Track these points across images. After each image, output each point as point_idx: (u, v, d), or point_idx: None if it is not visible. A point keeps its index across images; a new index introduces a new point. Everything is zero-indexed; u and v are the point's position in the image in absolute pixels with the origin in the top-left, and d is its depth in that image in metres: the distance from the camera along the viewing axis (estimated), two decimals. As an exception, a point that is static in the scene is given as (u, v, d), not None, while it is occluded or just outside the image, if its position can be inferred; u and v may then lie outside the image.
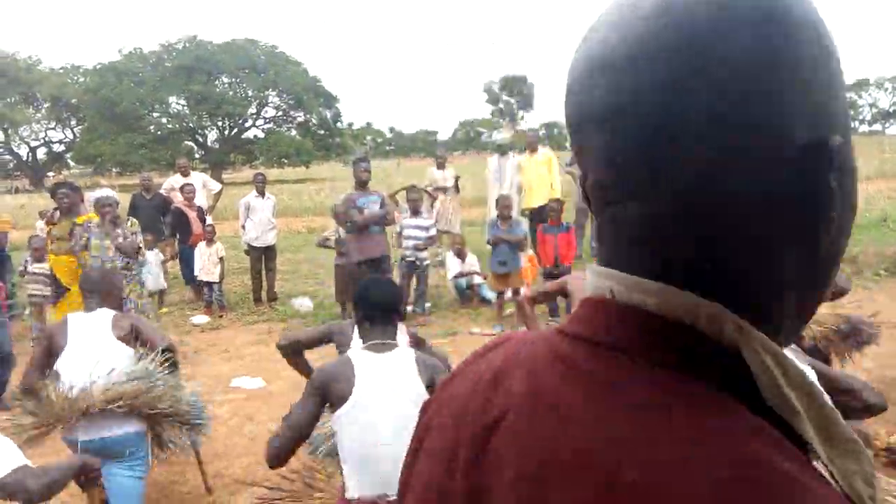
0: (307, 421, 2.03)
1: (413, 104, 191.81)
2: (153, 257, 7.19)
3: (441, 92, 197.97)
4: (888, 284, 7.11)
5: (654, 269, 0.44)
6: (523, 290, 7.28)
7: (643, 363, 0.43)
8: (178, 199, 8.26)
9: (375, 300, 2.22)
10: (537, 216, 7.93)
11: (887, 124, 76.00)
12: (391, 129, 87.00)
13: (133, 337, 2.95)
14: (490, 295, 7.01)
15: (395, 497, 1.96)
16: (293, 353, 2.84)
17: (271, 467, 2.08)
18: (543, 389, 0.47)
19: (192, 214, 7.85)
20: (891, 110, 75.67)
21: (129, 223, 5.55)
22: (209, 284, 7.55)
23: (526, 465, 0.44)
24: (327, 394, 2.04)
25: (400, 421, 1.96)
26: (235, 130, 43.73)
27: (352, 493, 1.99)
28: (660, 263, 0.44)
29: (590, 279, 0.50)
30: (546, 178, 8.19)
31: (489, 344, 0.59)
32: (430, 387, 2.07)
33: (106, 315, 2.97)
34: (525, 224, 8.33)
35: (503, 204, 6.74)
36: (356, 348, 2.16)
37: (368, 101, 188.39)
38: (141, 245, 5.60)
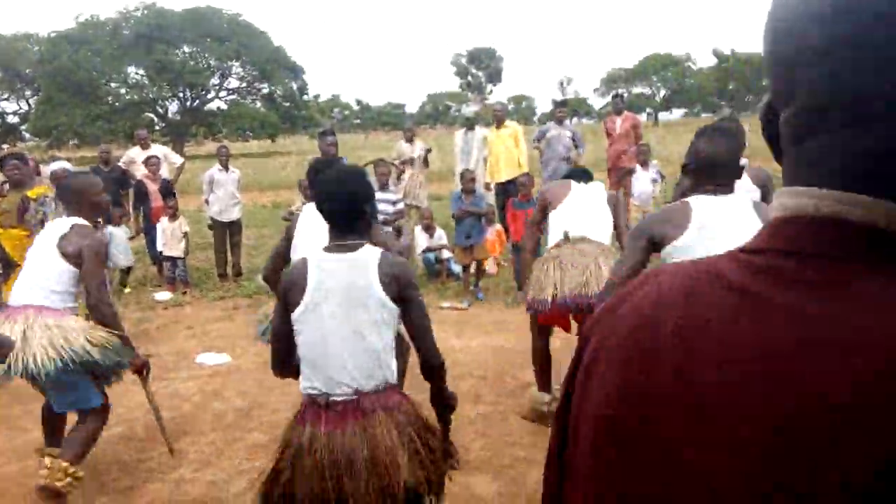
0: (280, 327, 2.11)
1: (381, 77, 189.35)
2: (120, 233, 7.00)
3: (409, 64, 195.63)
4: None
5: (861, 186, 0.48)
6: (489, 263, 7.33)
7: (860, 268, 0.47)
8: (139, 172, 8.04)
9: (331, 199, 2.16)
10: (505, 190, 7.93)
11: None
12: (358, 102, 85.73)
13: (76, 261, 2.91)
14: (458, 269, 7.00)
15: (340, 398, 2.02)
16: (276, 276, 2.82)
17: (278, 377, 2.26)
18: (757, 297, 0.50)
19: (154, 188, 7.64)
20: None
21: None
22: (172, 260, 7.39)
23: (764, 363, 0.47)
24: (287, 299, 2.07)
25: (348, 324, 2.00)
26: (197, 102, 42.60)
27: (303, 387, 2.08)
28: (872, 181, 0.48)
29: (785, 201, 0.52)
30: (513, 151, 8.17)
31: (635, 282, 0.62)
32: (394, 287, 2.05)
33: (63, 225, 2.94)
34: (491, 197, 8.33)
35: (466, 178, 6.79)
36: (316, 250, 2.13)
37: (335, 74, 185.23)
38: (99, 220, 5.43)
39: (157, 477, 3.33)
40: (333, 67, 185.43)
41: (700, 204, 2.18)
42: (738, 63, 64.28)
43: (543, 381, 3.74)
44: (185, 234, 7.32)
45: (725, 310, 0.51)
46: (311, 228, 3.02)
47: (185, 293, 7.20)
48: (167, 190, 7.71)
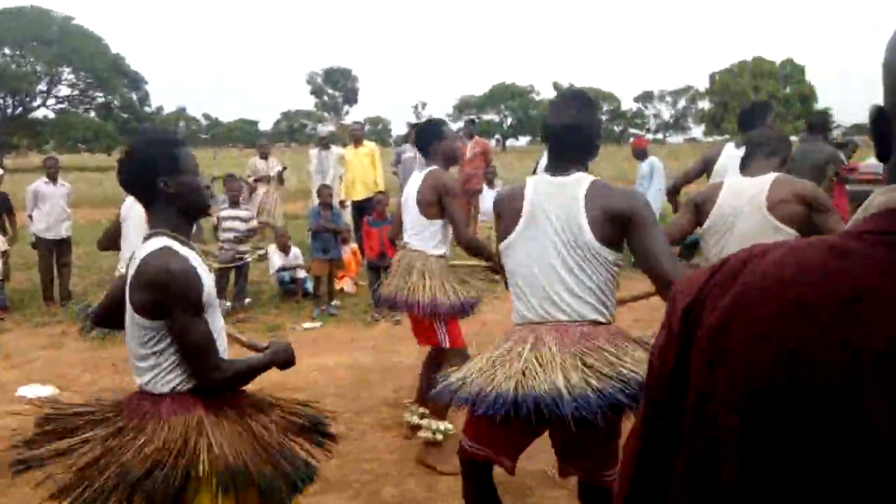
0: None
1: (231, 91, 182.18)
2: None
3: (261, 80, 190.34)
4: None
5: None
6: (347, 282, 7.31)
7: None
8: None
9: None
10: (360, 209, 7.97)
11: (668, 133, 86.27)
12: (206, 116, 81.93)
13: None
14: (312, 286, 6.91)
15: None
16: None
17: None
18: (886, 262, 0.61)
19: None
20: (671, 121, 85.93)
21: None
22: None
23: None
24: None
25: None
26: (21, 109, 38.50)
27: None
28: None
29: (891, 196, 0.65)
30: (370, 171, 8.25)
31: (740, 255, 0.71)
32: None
33: None
34: (347, 216, 8.33)
35: (324, 193, 6.84)
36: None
37: (182, 85, 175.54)
38: None
39: None
40: (180, 79, 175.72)
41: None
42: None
43: None
44: (4, 253, 6.59)
45: (864, 273, 0.61)
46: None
47: (2, 319, 6.45)
48: (4, 204, 6.98)
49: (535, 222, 2.07)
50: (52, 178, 7.03)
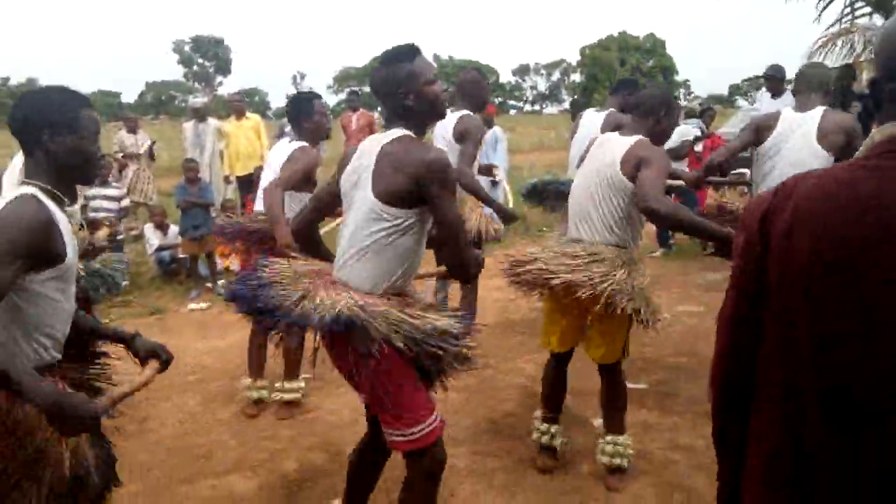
0: None
1: (88, 60, 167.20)
2: None
3: (121, 48, 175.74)
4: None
5: None
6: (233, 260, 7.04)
7: None
8: None
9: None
10: (247, 184, 7.67)
11: (545, 105, 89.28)
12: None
13: None
14: (202, 270, 6.62)
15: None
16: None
17: None
18: None
19: None
20: (547, 92, 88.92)
21: None
22: None
23: None
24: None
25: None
26: None
27: None
28: None
29: (890, 129, 0.99)
30: (255, 144, 7.95)
31: (788, 181, 1.06)
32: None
33: None
34: (231, 191, 8.03)
35: (189, 167, 6.59)
36: None
37: (29, 53, 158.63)
38: None
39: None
40: (24, 47, 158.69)
41: None
42: (455, 68, 69.98)
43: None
44: None
45: (886, 178, 0.95)
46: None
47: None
48: None
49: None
50: None
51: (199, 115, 8.02)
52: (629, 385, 3.13)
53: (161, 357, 1.87)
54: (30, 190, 1.62)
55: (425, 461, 2.03)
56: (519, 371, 4.25)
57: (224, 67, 69.83)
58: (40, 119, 1.65)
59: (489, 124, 8.99)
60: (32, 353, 1.64)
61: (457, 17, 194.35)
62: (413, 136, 2.03)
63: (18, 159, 3.18)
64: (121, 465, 1.97)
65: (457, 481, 2.98)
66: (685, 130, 7.17)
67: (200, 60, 68.52)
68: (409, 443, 1.99)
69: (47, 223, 1.57)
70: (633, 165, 2.63)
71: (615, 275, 2.59)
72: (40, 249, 1.56)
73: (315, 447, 3.32)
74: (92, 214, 6.16)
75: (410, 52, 2.00)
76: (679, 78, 63.91)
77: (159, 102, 73.26)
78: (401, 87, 1.99)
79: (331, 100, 63.79)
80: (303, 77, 78.06)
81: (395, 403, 1.98)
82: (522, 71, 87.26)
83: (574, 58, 72.66)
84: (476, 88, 4.00)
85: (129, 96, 77.21)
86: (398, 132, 2.03)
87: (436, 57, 71.80)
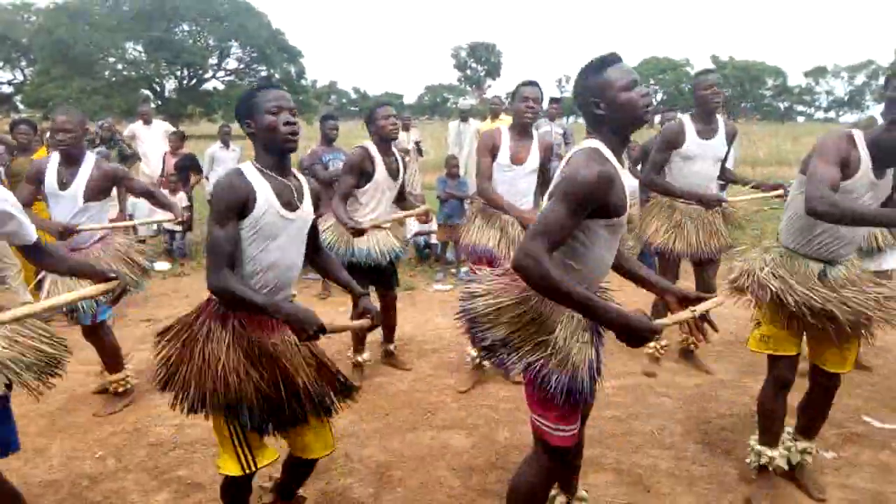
0: None
1: (379, 66, 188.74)
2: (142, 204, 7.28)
3: (408, 55, 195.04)
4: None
5: None
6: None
7: None
8: (140, 147, 8.29)
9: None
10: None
11: (841, 112, 78.28)
12: (356, 90, 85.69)
13: None
14: (449, 255, 7.33)
15: None
16: None
17: None
18: None
19: (172, 162, 7.93)
20: (845, 98, 77.84)
21: None
22: (171, 233, 7.65)
23: None
24: None
25: None
26: (195, 81, 42.56)
27: None
28: None
29: None
30: (506, 143, 8.46)
31: None
32: None
33: None
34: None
35: (451, 163, 7.22)
36: None
37: (333, 60, 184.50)
38: None
39: (161, 422, 3.63)
40: (332, 54, 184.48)
41: None
42: (734, 70, 64.79)
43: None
44: (187, 209, 7.57)
45: None
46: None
47: (182, 265, 7.47)
48: (189, 166, 7.98)
49: None
50: (226, 144, 7.94)
51: (464, 115, 8.78)
52: (884, 426, 2.95)
53: (373, 318, 2.32)
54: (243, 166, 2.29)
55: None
56: (745, 388, 4.06)
57: (493, 71, 73.58)
58: (238, 115, 2.22)
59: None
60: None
61: (741, 13, 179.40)
62: (597, 148, 1.95)
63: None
64: (365, 407, 2.45)
65: (655, 479, 3.02)
66: None
67: (474, 65, 73.12)
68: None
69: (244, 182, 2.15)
70: None
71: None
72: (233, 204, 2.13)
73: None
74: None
75: (606, 61, 2.00)
76: None
77: (434, 104, 79.90)
78: (594, 96, 1.97)
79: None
80: (568, 79, 78.79)
81: None
82: (817, 73, 77.54)
83: (886, 59, 62.51)
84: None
85: (411, 98, 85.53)
86: (587, 143, 2.00)
87: (714, 58, 67.24)
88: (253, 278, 2.21)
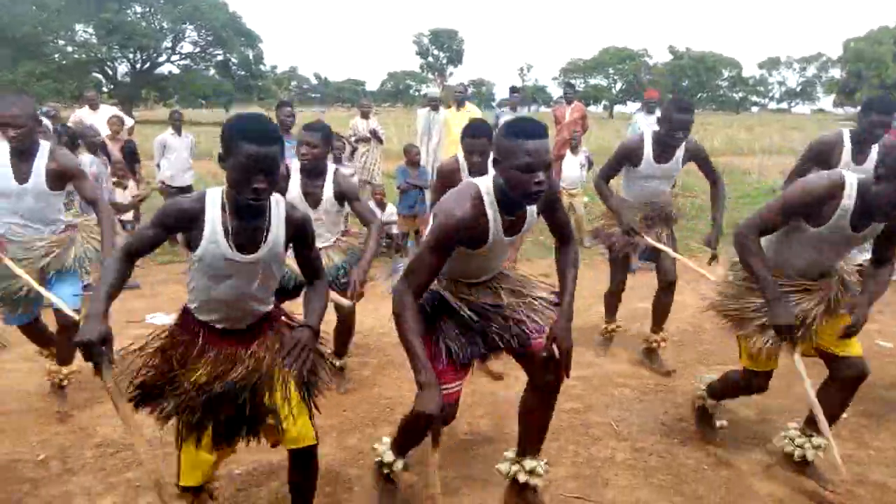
0: None
1: (341, 52, 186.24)
2: None
3: (370, 41, 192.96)
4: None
5: None
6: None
7: None
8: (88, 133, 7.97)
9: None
10: (458, 170, 8.17)
11: (793, 103, 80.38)
12: (317, 76, 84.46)
13: None
14: (410, 245, 7.26)
15: None
16: None
17: None
18: None
19: (115, 149, 7.59)
20: (797, 89, 79.92)
21: None
22: (121, 223, 7.39)
23: None
24: None
25: None
26: (148, 65, 41.31)
27: None
28: None
29: None
30: (471, 132, 8.40)
31: None
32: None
33: None
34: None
35: (412, 152, 7.12)
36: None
37: (294, 45, 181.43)
38: None
39: (110, 422, 3.49)
40: (292, 39, 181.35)
41: None
42: (691, 61, 65.87)
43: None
44: (138, 198, 7.32)
45: None
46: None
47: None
48: (131, 152, 7.67)
49: None
50: (178, 130, 7.70)
51: (434, 104, 8.64)
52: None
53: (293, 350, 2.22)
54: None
55: None
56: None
57: (456, 59, 73.35)
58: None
59: (651, 110, 8.45)
60: None
61: (696, 4, 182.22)
62: (477, 190, 2.22)
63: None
64: (322, 403, 2.39)
65: (613, 472, 3.03)
66: None
67: (436, 52, 72.76)
68: None
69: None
70: None
71: None
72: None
73: (485, 415, 3.58)
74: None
75: (522, 131, 2.06)
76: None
77: (397, 91, 79.33)
78: (498, 153, 2.10)
79: (556, 91, 64.00)
80: (529, 68, 79.21)
81: None
82: (771, 64, 79.37)
83: (835, 52, 64.44)
84: None
85: (373, 85, 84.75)
86: (477, 179, 2.25)
87: (671, 49, 68.24)
88: (196, 302, 2.19)
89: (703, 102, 69.53)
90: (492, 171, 2.20)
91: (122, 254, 2.11)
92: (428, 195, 7.11)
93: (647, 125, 8.36)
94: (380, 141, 9.18)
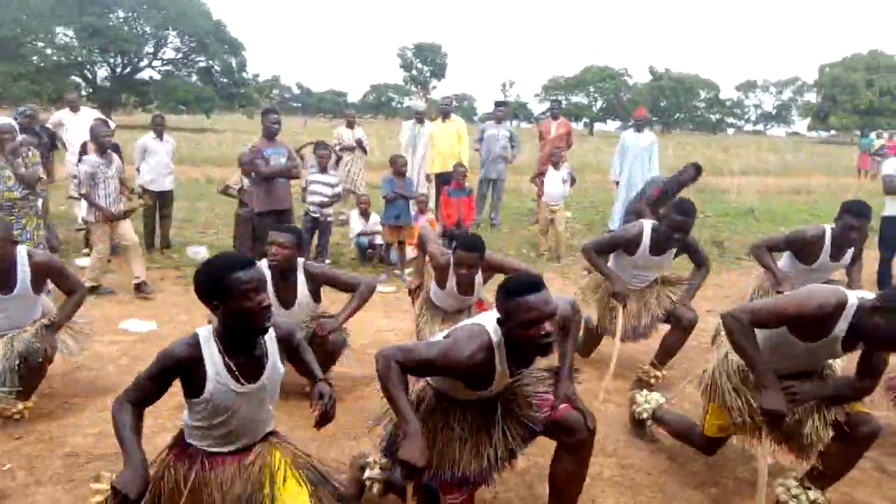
0: None
1: (324, 62, 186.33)
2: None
3: (353, 52, 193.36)
4: (749, 267, 7.90)
5: None
6: (409, 249, 7.53)
7: None
8: (66, 135, 7.82)
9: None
10: (443, 181, 8.18)
11: (769, 125, 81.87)
12: (299, 86, 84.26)
13: None
14: (393, 257, 7.19)
15: None
16: None
17: None
18: None
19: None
20: (773, 112, 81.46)
21: (30, 153, 5.24)
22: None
23: None
24: None
25: None
26: (129, 69, 40.83)
27: None
28: None
29: None
30: (455, 146, 8.46)
31: None
32: None
33: None
34: (432, 188, 8.57)
35: (398, 163, 7.02)
36: None
37: (277, 54, 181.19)
38: (42, 176, 5.39)
39: (80, 430, 3.37)
40: (275, 47, 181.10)
41: None
42: (670, 81, 66.85)
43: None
44: (127, 209, 7.16)
45: None
46: None
47: (109, 261, 7.06)
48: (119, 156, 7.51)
49: None
50: (159, 135, 7.57)
51: (419, 117, 8.63)
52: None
53: (322, 407, 2.33)
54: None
55: None
56: (686, 395, 4.08)
57: (439, 72, 73.65)
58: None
59: (639, 128, 8.58)
60: None
61: (676, 27, 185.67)
62: (489, 337, 2.28)
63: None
64: (302, 413, 2.32)
65: (599, 489, 2.98)
66: None
67: (419, 65, 73.02)
68: None
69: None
70: None
71: None
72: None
73: (511, 489, 3.51)
74: (310, 198, 6.97)
75: (523, 288, 2.14)
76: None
77: (380, 103, 79.39)
78: (504, 312, 2.19)
79: (537, 108, 64.51)
80: (511, 84, 79.91)
81: None
82: (747, 87, 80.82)
83: (811, 76, 65.85)
84: None
85: (355, 96, 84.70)
86: (489, 325, 2.28)
87: (651, 69, 69.23)
88: (202, 440, 2.20)
89: (680, 122, 70.54)
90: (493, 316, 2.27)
91: (130, 407, 2.10)
92: (413, 206, 7.06)
93: (633, 143, 8.45)
94: (364, 151, 9.14)
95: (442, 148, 8.51)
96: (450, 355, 2.19)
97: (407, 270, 6.92)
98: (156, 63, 41.75)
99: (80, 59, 37.58)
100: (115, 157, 6.10)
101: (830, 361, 2.73)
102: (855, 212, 3.81)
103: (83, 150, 7.48)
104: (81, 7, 35.39)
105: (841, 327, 2.41)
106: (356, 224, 7.53)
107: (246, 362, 2.13)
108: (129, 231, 6.05)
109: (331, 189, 7.00)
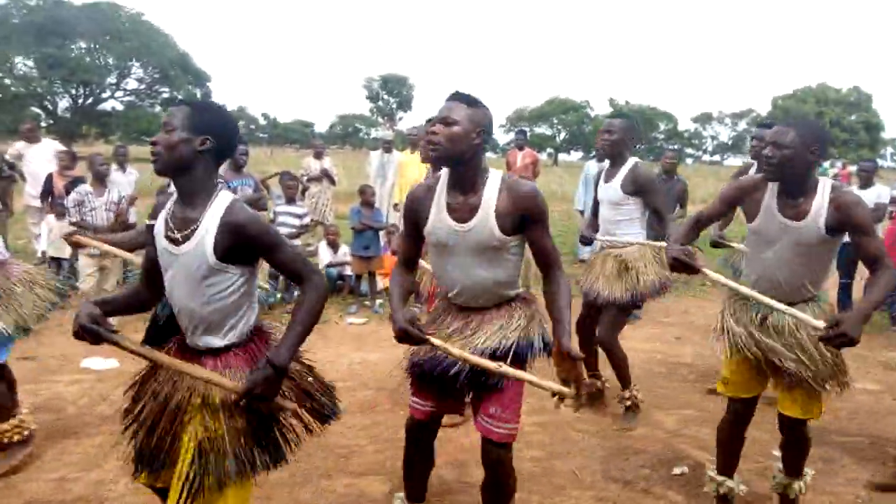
0: None
1: (290, 92, 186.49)
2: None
3: (320, 83, 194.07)
4: (714, 293, 8.05)
5: None
6: (379, 280, 7.46)
7: None
8: (26, 167, 7.64)
9: None
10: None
11: (726, 156, 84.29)
12: (265, 116, 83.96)
13: None
14: (363, 288, 7.12)
15: None
16: None
17: None
18: None
19: (61, 185, 7.24)
20: (729, 143, 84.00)
21: None
22: (58, 261, 7.02)
23: None
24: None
25: None
26: (91, 100, 40.25)
27: None
28: None
29: None
30: (424, 175, 8.42)
31: None
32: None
33: None
34: (397, 217, 8.54)
35: (367, 193, 7.03)
36: None
37: (242, 84, 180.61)
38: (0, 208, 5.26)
39: (39, 476, 3.21)
40: (241, 78, 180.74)
41: None
42: (630, 112, 68.66)
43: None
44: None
45: None
46: None
47: (69, 297, 6.84)
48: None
49: None
50: (121, 165, 7.44)
51: (387, 147, 8.66)
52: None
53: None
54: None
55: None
56: (658, 423, 4.10)
57: (405, 104, 74.28)
58: None
59: (601, 158, 8.75)
60: None
61: (635, 61, 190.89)
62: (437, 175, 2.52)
63: None
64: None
65: (578, 522, 2.95)
66: (882, 191, 6.78)
67: (386, 97, 73.57)
68: (510, 435, 2.42)
69: None
70: None
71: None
72: None
73: (446, 465, 3.45)
74: (278, 229, 6.88)
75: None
76: (887, 136, 57.66)
77: (346, 133, 79.52)
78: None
79: (502, 138, 65.33)
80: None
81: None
82: (704, 119, 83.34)
83: (764, 108, 68.28)
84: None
85: (322, 126, 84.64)
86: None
87: (612, 101, 70.93)
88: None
89: (641, 154, 72.27)
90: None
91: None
92: (382, 237, 7.03)
93: (597, 172, 8.58)
94: (332, 181, 9.10)
95: (411, 177, 8.50)
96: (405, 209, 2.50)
97: (378, 301, 6.86)
98: (118, 94, 41.28)
99: (39, 89, 36.92)
100: (108, 190, 6.00)
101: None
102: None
103: (48, 182, 7.32)
104: (41, 37, 34.87)
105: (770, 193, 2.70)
106: (325, 255, 7.46)
107: (172, 220, 1.95)
108: (112, 283, 6.02)
109: (299, 220, 6.93)
